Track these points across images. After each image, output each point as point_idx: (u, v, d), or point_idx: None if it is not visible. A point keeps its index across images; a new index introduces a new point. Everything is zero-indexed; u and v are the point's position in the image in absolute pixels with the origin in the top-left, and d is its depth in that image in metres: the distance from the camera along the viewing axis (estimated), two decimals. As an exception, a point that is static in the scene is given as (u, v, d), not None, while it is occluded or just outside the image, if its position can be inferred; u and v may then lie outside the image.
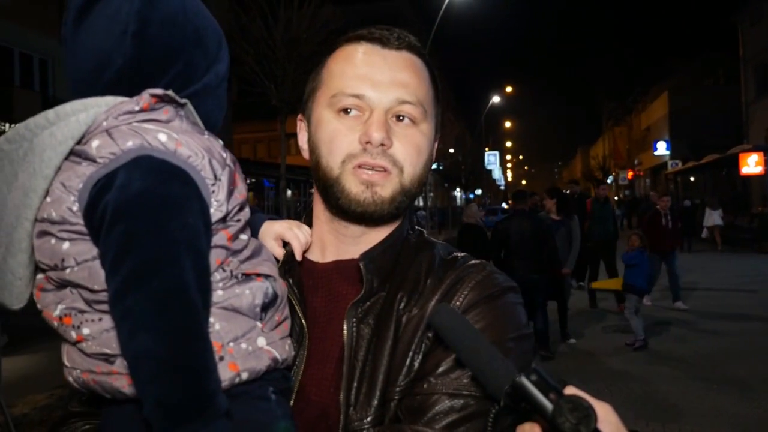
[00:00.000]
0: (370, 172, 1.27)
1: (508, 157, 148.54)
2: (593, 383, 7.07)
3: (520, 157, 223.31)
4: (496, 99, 53.82)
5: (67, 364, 1.10)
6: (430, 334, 1.21)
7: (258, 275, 1.14)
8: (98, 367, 1.04)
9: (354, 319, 1.24)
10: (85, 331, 1.03)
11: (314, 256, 1.39)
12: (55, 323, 1.07)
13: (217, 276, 1.07)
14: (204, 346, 0.94)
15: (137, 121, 1.04)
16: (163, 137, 1.03)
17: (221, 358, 1.04)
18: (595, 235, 12.49)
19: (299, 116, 1.42)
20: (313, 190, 1.45)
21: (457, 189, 58.47)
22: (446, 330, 0.95)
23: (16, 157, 1.05)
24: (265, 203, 29.53)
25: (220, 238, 1.08)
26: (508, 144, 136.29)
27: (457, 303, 1.23)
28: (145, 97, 1.04)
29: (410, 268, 1.31)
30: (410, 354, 1.20)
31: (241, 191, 1.14)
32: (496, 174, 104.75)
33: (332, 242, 1.37)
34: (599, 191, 13.66)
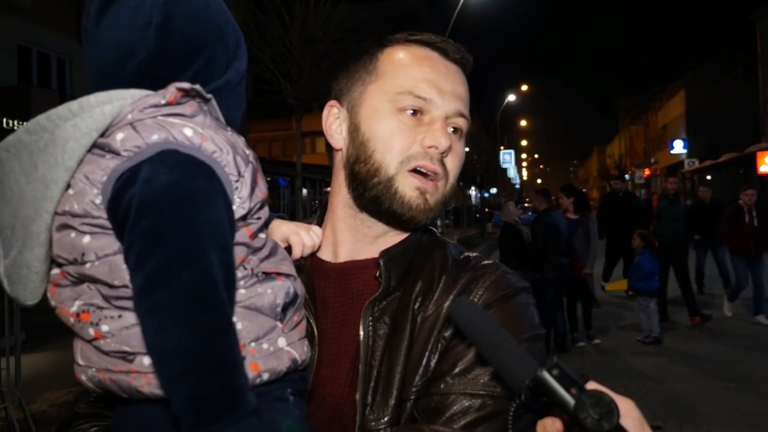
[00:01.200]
0: (425, 178, 1.27)
1: (523, 155, 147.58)
2: (608, 382, 6.92)
3: (536, 155, 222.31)
4: (511, 98, 53.51)
5: (81, 362, 1.07)
6: (446, 334, 1.21)
7: (279, 274, 1.12)
8: (116, 366, 1.01)
9: (370, 318, 1.24)
10: (104, 328, 1.00)
11: (326, 255, 1.38)
12: (72, 320, 1.05)
13: (238, 274, 1.05)
14: (234, 342, 0.93)
15: (162, 115, 1.03)
16: (188, 132, 1.02)
17: (243, 358, 1.01)
18: (664, 237, 10.27)
19: (332, 102, 1.38)
20: (329, 188, 1.44)
21: (472, 188, 58.24)
22: (467, 323, 0.94)
23: (36, 148, 1.03)
24: (281, 202, 29.55)
25: (241, 235, 1.06)
26: (524, 143, 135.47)
27: None
28: (172, 91, 1.03)
29: (424, 268, 1.31)
30: (426, 354, 1.20)
31: (262, 189, 1.12)
32: (511, 173, 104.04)
33: (347, 241, 1.36)
34: (667, 185, 11.18)
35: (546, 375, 0.82)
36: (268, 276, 1.10)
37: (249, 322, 1.05)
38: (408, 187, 1.27)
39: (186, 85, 1.04)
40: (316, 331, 1.27)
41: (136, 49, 1.07)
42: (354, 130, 1.33)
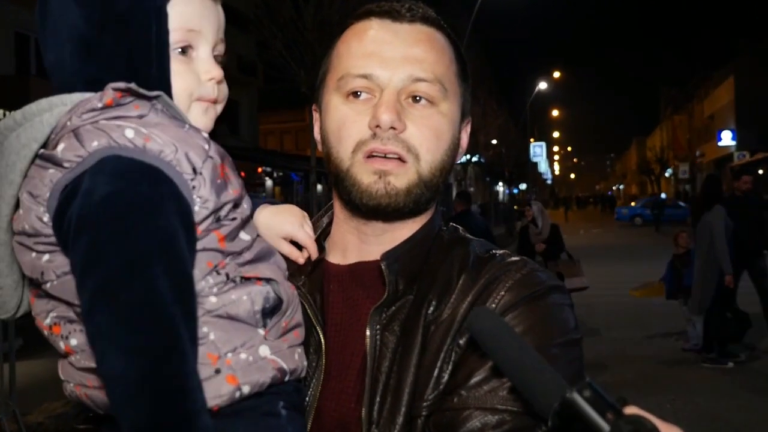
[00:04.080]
0: (382, 160, 1.23)
1: (555, 148, 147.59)
2: (652, 396, 6.93)
3: (569, 148, 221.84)
4: (542, 86, 53.33)
5: (62, 377, 1.11)
6: (461, 341, 1.18)
7: (258, 279, 1.12)
8: (89, 381, 1.04)
9: (377, 326, 1.22)
10: (73, 342, 1.04)
11: (335, 258, 1.36)
12: (46, 332, 1.09)
13: (210, 280, 1.06)
14: (181, 364, 0.92)
15: (105, 119, 1.03)
16: (130, 133, 1.01)
17: (218, 371, 1.03)
18: None
19: (313, 106, 1.40)
20: None
21: (500, 183, 58.15)
22: (486, 336, 0.90)
23: None
24: (294, 199, 29.76)
25: (210, 240, 1.06)
26: (555, 134, 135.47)
27: (492, 305, 1.18)
28: (108, 93, 1.03)
29: (441, 268, 1.27)
30: (439, 364, 1.17)
31: (235, 186, 1.11)
32: (542, 167, 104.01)
33: (354, 242, 1.34)
34: None
35: (577, 397, 0.77)
36: (246, 281, 1.10)
37: (223, 332, 1.05)
38: (365, 174, 1.24)
39: (122, 84, 1.03)
40: (322, 340, 1.25)
41: (65, 63, 1.11)
42: (320, 131, 1.35)
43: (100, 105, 1.02)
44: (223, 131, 26.24)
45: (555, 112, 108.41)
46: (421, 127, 1.25)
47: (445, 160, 1.29)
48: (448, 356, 1.17)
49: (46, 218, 1.01)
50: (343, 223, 1.35)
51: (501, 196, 60.30)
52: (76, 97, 1.06)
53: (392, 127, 1.21)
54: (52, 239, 1.02)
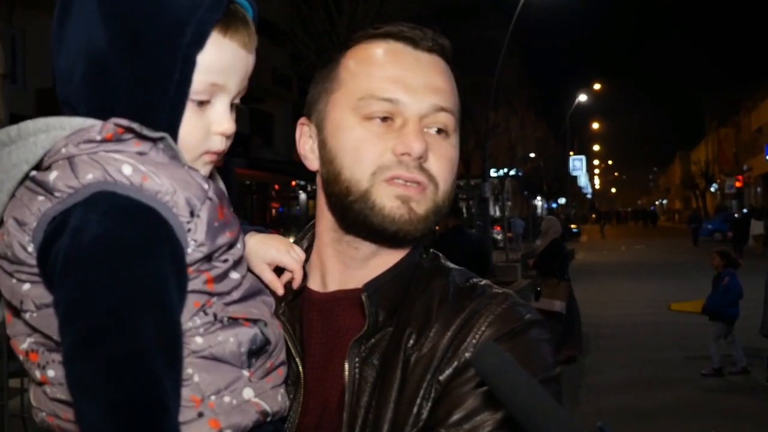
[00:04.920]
0: (406, 185, 1.23)
1: (596, 162, 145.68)
2: (696, 422, 6.79)
3: (609, 162, 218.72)
4: (582, 98, 52.83)
5: (33, 403, 1.07)
6: (441, 378, 1.17)
7: (246, 320, 1.10)
8: (64, 413, 1.01)
9: (356, 359, 1.20)
10: (51, 373, 1.00)
11: (314, 284, 1.35)
12: (21, 357, 1.05)
13: (197, 321, 1.04)
14: (162, 421, 0.89)
15: (104, 151, 1.00)
16: (127, 170, 0.99)
17: (200, 414, 1.01)
18: None
19: (302, 120, 1.37)
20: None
21: (538, 197, 57.67)
22: (493, 374, 0.87)
23: None
24: (327, 212, 29.71)
25: (199, 281, 1.04)
26: (596, 147, 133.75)
27: (473, 340, 1.18)
28: (109, 127, 1.00)
29: (420, 299, 1.26)
30: (418, 400, 1.16)
31: (232, 228, 1.09)
32: (582, 181, 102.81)
33: (335, 268, 1.33)
34: None
35: None
36: (234, 322, 1.09)
37: (208, 374, 1.04)
38: (387, 198, 1.22)
39: (124, 122, 1.00)
40: (301, 373, 1.24)
41: (73, 78, 1.08)
42: (322, 148, 1.31)
43: (98, 138, 0.99)
44: (257, 144, 26.50)
45: (595, 125, 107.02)
46: (439, 158, 1.26)
47: (453, 190, 1.32)
48: (427, 392, 1.16)
49: (30, 248, 0.98)
50: (327, 246, 1.33)
51: (539, 211, 59.77)
52: (76, 122, 1.02)
53: (419, 157, 1.22)
54: (35, 270, 0.99)
